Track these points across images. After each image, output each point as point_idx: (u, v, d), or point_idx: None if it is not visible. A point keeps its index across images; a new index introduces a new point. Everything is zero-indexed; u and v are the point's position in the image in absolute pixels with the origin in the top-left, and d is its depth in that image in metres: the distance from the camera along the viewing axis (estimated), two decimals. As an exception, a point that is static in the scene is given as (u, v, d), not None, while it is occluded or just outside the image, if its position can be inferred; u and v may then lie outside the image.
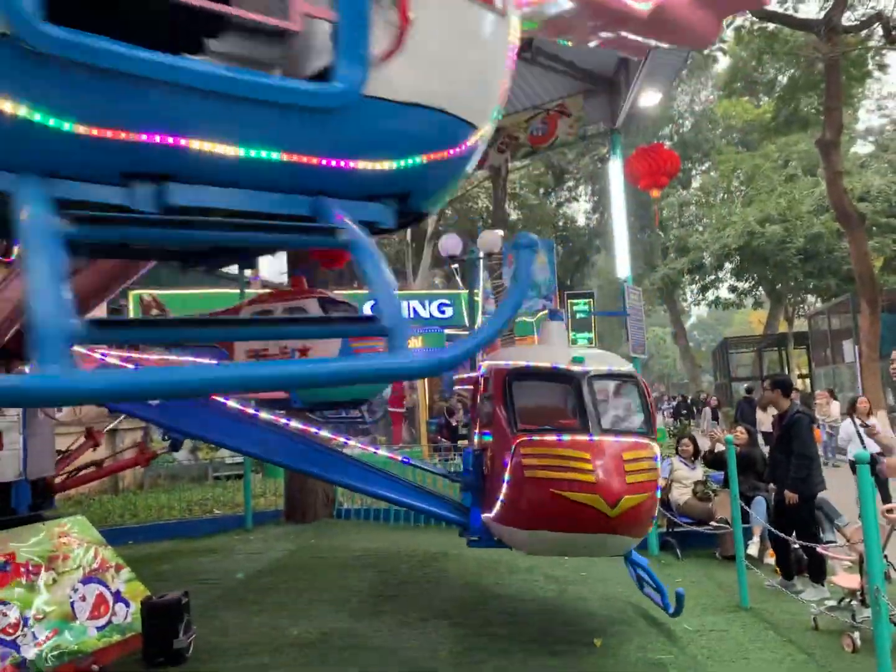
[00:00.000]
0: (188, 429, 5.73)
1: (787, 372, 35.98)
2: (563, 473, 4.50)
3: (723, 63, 33.15)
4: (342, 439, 6.50)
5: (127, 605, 5.44)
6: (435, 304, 20.18)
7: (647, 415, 5.10)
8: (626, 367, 5.33)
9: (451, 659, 5.00)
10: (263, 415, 5.60)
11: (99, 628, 5.16)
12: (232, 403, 5.42)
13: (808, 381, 32.67)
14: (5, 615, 4.68)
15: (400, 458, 6.85)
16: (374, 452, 6.97)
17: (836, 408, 15.88)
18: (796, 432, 6.06)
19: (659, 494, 4.95)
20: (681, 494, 8.07)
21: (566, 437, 4.65)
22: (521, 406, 5.01)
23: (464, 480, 5.53)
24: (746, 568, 6.15)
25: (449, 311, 20.34)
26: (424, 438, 17.65)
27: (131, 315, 18.56)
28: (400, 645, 5.34)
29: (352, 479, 5.75)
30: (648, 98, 7.96)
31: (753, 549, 7.14)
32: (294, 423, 5.75)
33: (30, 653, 4.65)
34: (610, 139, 8.45)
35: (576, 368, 4.87)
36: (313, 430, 6.05)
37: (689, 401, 19.77)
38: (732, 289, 35.56)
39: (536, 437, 4.76)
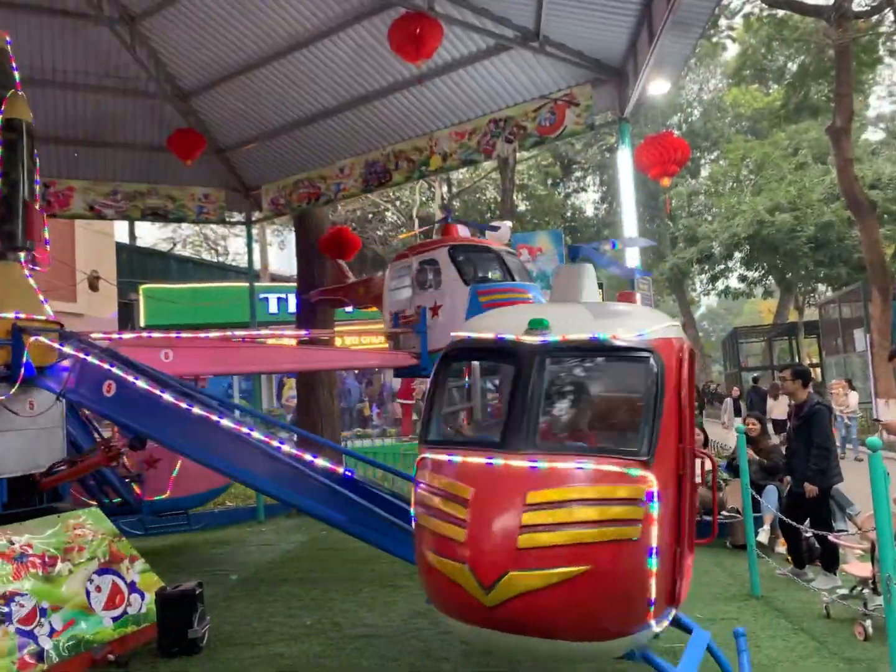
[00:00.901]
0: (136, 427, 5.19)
1: (797, 361, 35.85)
2: (437, 523, 3.09)
3: (732, 51, 32.94)
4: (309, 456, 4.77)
5: (142, 595, 5.50)
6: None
7: (650, 421, 3.08)
8: (635, 335, 3.21)
9: (462, 648, 5.02)
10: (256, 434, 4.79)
11: (115, 619, 5.22)
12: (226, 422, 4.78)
13: (818, 370, 32.49)
14: (22, 606, 4.74)
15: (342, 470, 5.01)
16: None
17: (854, 398, 15.45)
18: (817, 424, 6.04)
19: (651, 562, 2.97)
20: (691, 484, 8.05)
21: (456, 459, 3.15)
22: (446, 400, 3.76)
23: None
24: (757, 557, 6.14)
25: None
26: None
27: (142, 308, 18.72)
28: (412, 634, 5.37)
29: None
30: (657, 86, 7.91)
31: (764, 538, 7.14)
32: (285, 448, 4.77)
33: (47, 643, 4.71)
34: (618, 128, 8.41)
35: (526, 339, 3.22)
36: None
37: (701, 390, 19.67)
38: (742, 278, 35.35)
39: (432, 456, 3.31)
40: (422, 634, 5.35)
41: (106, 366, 5.18)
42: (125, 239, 27.28)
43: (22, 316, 5.66)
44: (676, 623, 3.71)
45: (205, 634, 5.22)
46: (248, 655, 5.06)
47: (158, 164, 10.96)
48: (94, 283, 12.95)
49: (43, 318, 5.86)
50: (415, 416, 19.48)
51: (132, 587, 5.49)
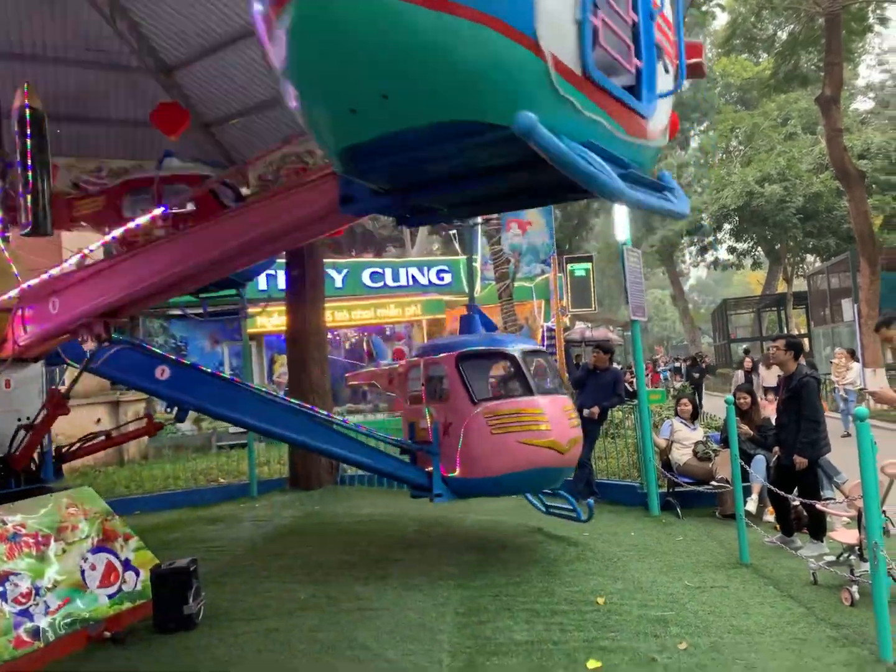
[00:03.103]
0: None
1: (786, 332, 36.07)
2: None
3: (721, 19, 32.66)
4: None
5: (136, 573, 5.53)
6: (434, 270, 20.15)
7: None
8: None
9: (457, 619, 5.09)
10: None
11: (110, 596, 5.26)
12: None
13: (806, 340, 32.74)
14: (17, 585, 4.76)
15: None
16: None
17: (856, 370, 14.53)
18: (806, 396, 6.08)
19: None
20: (681, 455, 8.14)
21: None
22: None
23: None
24: (746, 525, 6.22)
25: (448, 278, 20.31)
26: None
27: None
28: (407, 607, 5.43)
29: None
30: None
31: (752, 506, 7.23)
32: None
33: (42, 621, 4.74)
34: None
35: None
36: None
37: (698, 362, 19.66)
38: (731, 250, 35.46)
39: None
40: (417, 606, 5.40)
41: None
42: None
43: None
44: None
45: (200, 610, 5.26)
46: (244, 630, 5.10)
47: (144, 140, 10.80)
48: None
49: None
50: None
51: (127, 564, 5.52)
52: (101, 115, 10.49)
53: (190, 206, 7.64)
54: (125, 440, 9.25)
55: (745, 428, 7.75)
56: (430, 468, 6.38)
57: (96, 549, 5.38)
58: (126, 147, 10.86)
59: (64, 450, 7.18)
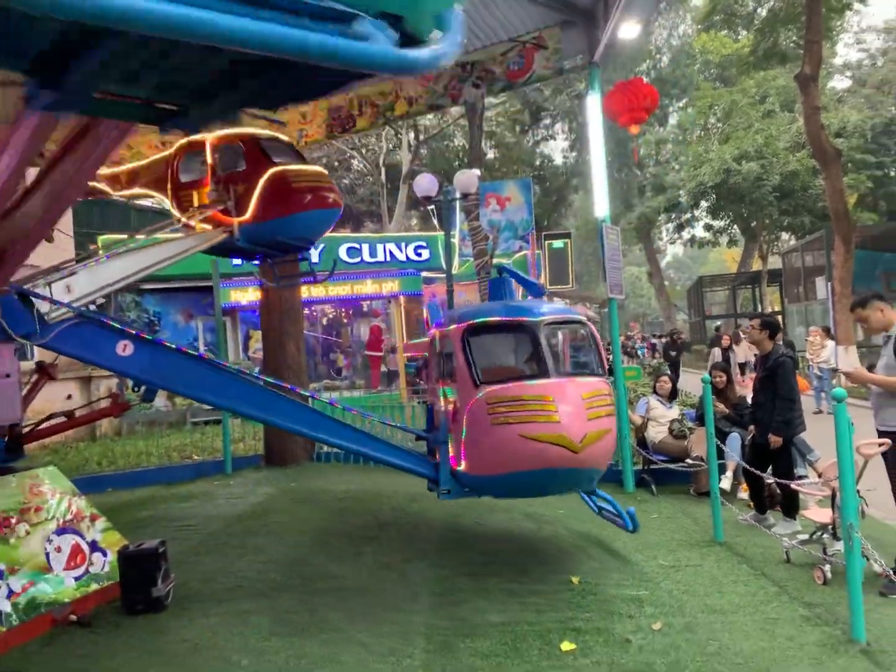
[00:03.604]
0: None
1: (760, 309, 36.44)
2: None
3: (702, -6, 32.41)
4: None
5: (104, 554, 5.41)
6: (411, 246, 19.95)
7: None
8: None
9: (432, 600, 5.05)
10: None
11: (76, 578, 5.14)
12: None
13: (780, 318, 33.09)
14: (-21, 568, 4.62)
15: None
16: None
17: (830, 348, 14.72)
18: (781, 375, 6.08)
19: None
20: (657, 432, 8.16)
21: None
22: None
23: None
24: (720, 503, 6.24)
25: (425, 254, 20.13)
26: (403, 381, 17.69)
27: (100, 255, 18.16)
28: (382, 587, 5.38)
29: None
30: (628, 30, 7.71)
31: (726, 484, 7.27)
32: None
33: (5, 605, 4.61)
34: (588, 74, 8.21)
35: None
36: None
37: (672, 340, 19.65)
38: (708, 227, 35.60)
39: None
40: (392, 587, 5.36)
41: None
42: (81, 188, 26.37)
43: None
44: None
45: (169, 592, 5.17)
46: (215, 612, 5.02)
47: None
48: (49, 235, 12.48)
49: None
50: (384, 368, 19.48)
51: (94, 546, 5.40)
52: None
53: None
54: (88, 421, 8.98)
55: (721, 406, 7.77)
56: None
57: (61, 531, 5.25)
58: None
59: (24, 431, 6.97)
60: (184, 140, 7.96)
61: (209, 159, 7.44)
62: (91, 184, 9.48)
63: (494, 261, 17.67)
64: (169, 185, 8.00)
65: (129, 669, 4.20)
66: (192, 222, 7.30)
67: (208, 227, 7.30)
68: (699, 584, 5.14)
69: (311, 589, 5.43)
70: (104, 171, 9.58)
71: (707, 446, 6.31)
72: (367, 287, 17.82)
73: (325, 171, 7.81)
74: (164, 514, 8.50)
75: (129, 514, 8.62)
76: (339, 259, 18.97)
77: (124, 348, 5.40)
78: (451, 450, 5.51)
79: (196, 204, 7.48)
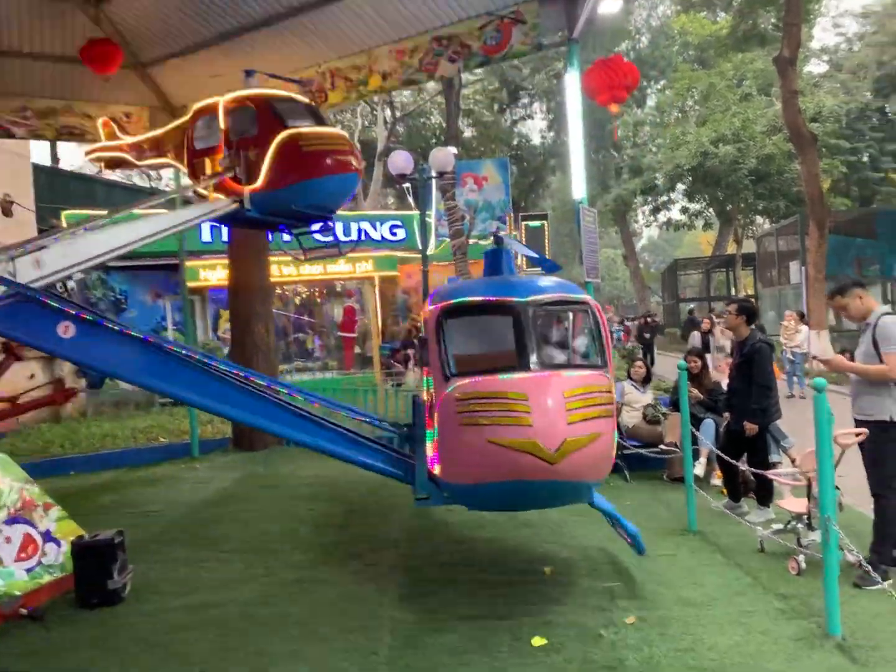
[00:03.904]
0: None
1: (734, 293, 36.67)
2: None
3: (682, -26, 32.15)
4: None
5: (58, 544, 5.18)
6: (386, 225, 19.62)
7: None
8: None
9: (399, 591, 4.90)
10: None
11: (28, 570, 4.91)
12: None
13: (753, 301, 33.30)
14: (-79, 561, 4.38)
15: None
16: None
17: (804, 333, 14.72)
18: (758, 362, 5.97)
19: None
20: (631, 417, 8.07)
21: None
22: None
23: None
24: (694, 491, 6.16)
25: (401, 233, 19.83)
26: (377, 363, 17.49)
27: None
28: (348, 578, 5.23)
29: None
30: (608, 5, 7.50)
31: (700, 470, 7.20)
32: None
33: (-50, 599, 4.38)
34: (567, 50, 7.99)
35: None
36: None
37: (649, 322, 19.57)
38: (684, 210, 35.61)
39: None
40: (358, 578, 5.20)
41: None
42: (45, 161, 25.62)
43: None
44: None
45: (126, 584, 4.96)
46: (173, 605, 4.83)
47: (73, 78, 10.07)
48: (6, 208, 12.04)
49: None
50: (357, 350, 19.23)
51: (47, 536, 5.16)
52: (26, 49, 9.69)
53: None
54: (31, 408, 8.42)
55: (695, 392, 7.68)
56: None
57: (11, 521, 5.00)
58: (54, 87, 10.10)
59: None
60: (199, 104, 7.54)
61: (221, 124, 7.05)
62: (115, 154, 9.00)
63: (471, 242, 17.47)
64: (185, 153, 7.61)
65: (80, 669, 3.99)
66: (205, 192, 7.03)
67: (220, 197, 6.96)
68: (673, 575, 5.05)
69: (275, 580, 5.26)
70: (128, 139, 9.10)
71: (682, 434, 6.20)
72: (341, 266, 17.50)
73: (344, 134, 7.31)
74: (126, 500, 8.27)
75: (90, 499, 8.37)
76: (311, 237, 18.61)
77: (65, 330, 4.87)
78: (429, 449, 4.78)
79: (209, 172, 7.11)
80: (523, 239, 20.60)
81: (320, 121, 7.19)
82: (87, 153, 9.72)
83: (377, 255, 18.00)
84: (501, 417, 3.97)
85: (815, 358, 7.44)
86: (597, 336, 4.57)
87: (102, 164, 9.63)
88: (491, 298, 4.51)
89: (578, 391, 4.06)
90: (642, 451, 7.78)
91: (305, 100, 7.63)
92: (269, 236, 10.78)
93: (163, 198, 8.49)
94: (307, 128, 6.79)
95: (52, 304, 4.87)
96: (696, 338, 15.29)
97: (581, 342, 4.98)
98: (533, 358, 4.16)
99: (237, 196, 6.87)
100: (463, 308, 4.60)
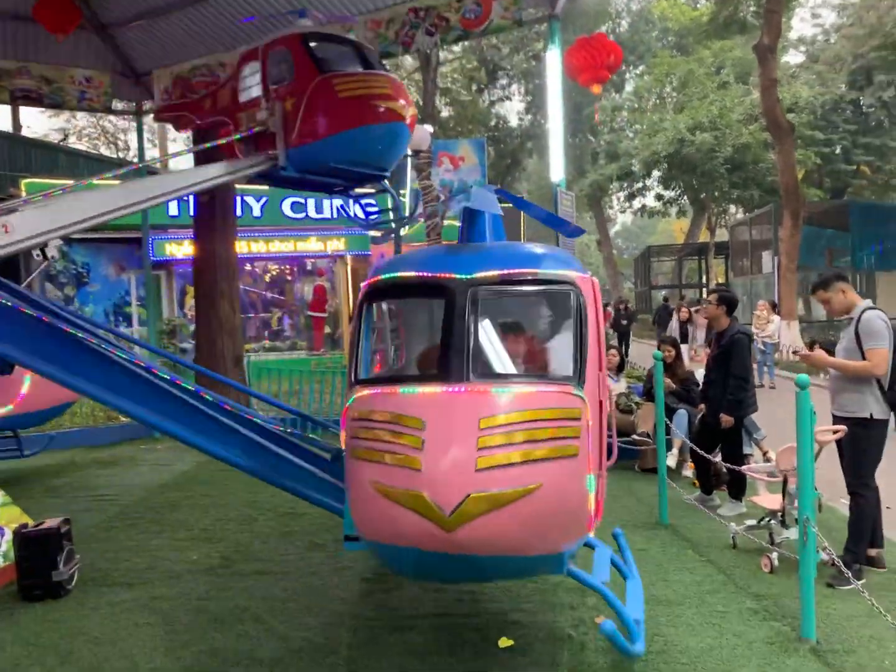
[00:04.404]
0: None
1: (706, 281, 36.89)
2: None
3: (664, -42, 31.91)
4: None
5: (1, 532, 4.88)
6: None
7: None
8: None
9: (362, 586, 4.72)
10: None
11: (-33, 560, 4.63)
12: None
13: (733, 290, 33.49)
14: None
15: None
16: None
17: (776, 323, 14.69)
18: (736, 353, 5.84)
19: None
20: (604, 407, 7.93)
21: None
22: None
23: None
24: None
25: (374, 211, 19.47)
26: (347, 344, 17.22)
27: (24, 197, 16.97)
28: (309, 570, 5.02)
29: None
30: (592, -21, 7.25)
31: (672, 461, 7.11)
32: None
33: None
34: (548, 27, 7.73)
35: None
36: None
37: (625, 309, 19.44)
38: (659, 197, 35.62)
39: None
40: (320, 570, 5.00)
41: None
42: (6, 127, 24.71)
43: None
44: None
45: (73, 576, 4.70)
46: (122, 598, 4.58)
47: (29, 38, 9.57)
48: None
49: None
50: (327, 329, 18.91)
51: (-11, 523, 4.87)
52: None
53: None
54: None
55: (668, 381, 7.56)
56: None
57: (-50, 507, 4.71)
58: (8, 46, 9.59)
59: None
60: (244, 49, 6.74)
61: (260, 72, 6.24)
62: (179, 113, 8.04)
63: (446, 223, 17.20)
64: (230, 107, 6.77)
65: (16, 668, 3.74)
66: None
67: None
68: (644, 571, 4.87)
69: (232, 571, 5.04)
70: (188, 96, 8.38)
71: (657, 426, 6.07)
72: (312, 244, 17.16)
73: (389, 75, 6.30)
74: (80, 482, 7.97)
75: (42, 481, 8.07)
76: (282, 213, 18.21)
77: None
78: None
79: (248, 126, 6.31)
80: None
81: (369, 64, 6.27)
82: (154, 112, 8.86)
83: (350, 235, 17.66)
84: (389, 453, 2.88)
85: (795, 353, 7.36)
86: (576, 333, 3.24)
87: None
88: (424, 274, 3.33)
89: (510, 419, 2.85)
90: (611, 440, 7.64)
91: (352, 38, 6.70)
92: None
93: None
94: (345, 71, 5.95)
95: None
96: (673, 326, 15.23)
97: (548, 341, 3.68)
98: (457, 362, 3.00)
99: (271, 153, 6.08)
100: (389, 287, 3.49)
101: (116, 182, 6.98)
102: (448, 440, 2.79)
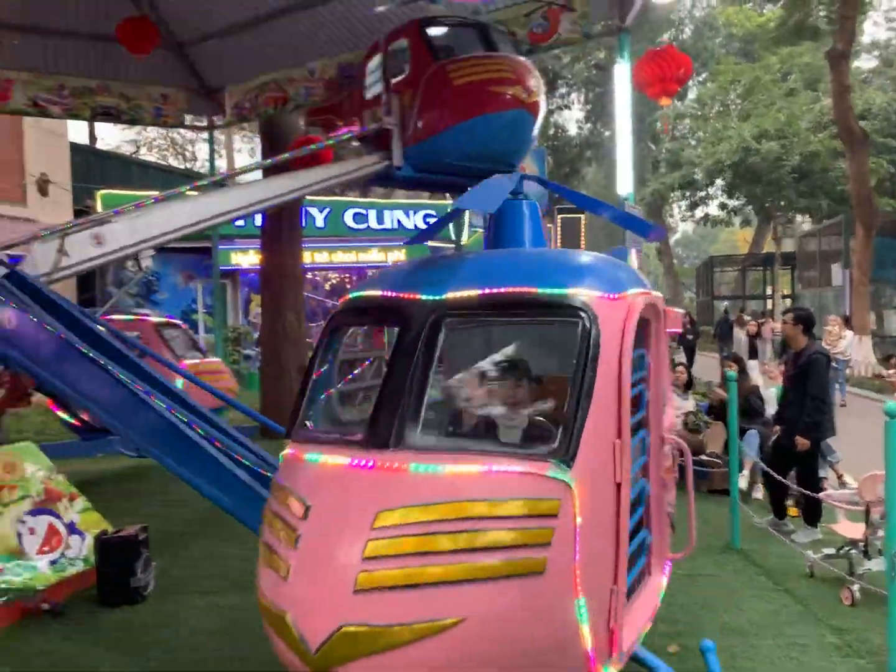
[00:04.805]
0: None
1: (770, 293, 35.92)
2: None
3: (730, -35, 31.33)
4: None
5: (82, 536, 5.08)
6: (420, 214, 19.38)
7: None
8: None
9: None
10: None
11: (52, 563, 4.81)
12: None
13: (789, 301, 32.58)
14: (-57, 552, 4.29)
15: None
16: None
17: (849, 339, 14.07)
18: (814, 374, 5.66)
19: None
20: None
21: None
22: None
23: None
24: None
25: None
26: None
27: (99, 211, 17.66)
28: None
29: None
30: (664, -7, 7.16)
31: (743, 483, 6.91)
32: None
33: (-29, 592, 4.29)
34: (617, 40, 7.65)
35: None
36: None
37: (691, 324, 18.98)
38: (722, 206, 34.87)
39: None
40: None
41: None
42: (84, 139, 25.77)
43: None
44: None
45: (149, 583, 4.83)
46: (197, 605, 4.69)
47: (110, 58, 9.95)
48: (42, 187, 12.04)
49: None
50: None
51: (71, 528, 5.05)
52: (62, 27, 9.58)
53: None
54: None
55: (721, 392, 7.41)
56: None
57: (36, 511, 4.90)
58: (91, 65, 10.00)
59: None
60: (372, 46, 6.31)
61: (380, 66, 5.88)
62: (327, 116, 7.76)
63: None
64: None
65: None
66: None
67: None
68: (716, 597, 4.79)
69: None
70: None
71: (728, 447, 5.93)
72: (373, 255, 17.35)
73: (511, 56, 5.55)
74: (150, 488, 8.18)
75: (117, 485, 8.33)
76: (345, 224, 18.48)
77: (9, 320, 4.22)
78: None
79: (372, 125, 5.86)
80: (558, 233, 20.17)
81: (493, 46, 5.63)
82: (306, 116, 8.60)
83: (408, 245, 17.79)
84: (269, 549, 2.30)
85: (879, 376, 7.11)
86: (577, 381, 2.26)
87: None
88: (386, 294, 2.61)
89: (425, 515, 2.03)
90: (679, 460, 7.49)
91: (477, 20, 6.04)
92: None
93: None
94: (461, 57, 5.33)
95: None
96: (742, 342, 14.80)
97: (534, 394, 2.78)
98: (384, 421, 2.27)
99: (384, 153, 5.59)
100: (351, 311, 2.84)
101: (193, 193, 7.04)
102: (325, 541, 2.05)
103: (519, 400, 2.74)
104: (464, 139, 5.21)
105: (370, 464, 2.17)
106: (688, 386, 8.23)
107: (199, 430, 4.24)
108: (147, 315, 9.45)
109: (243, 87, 10.22)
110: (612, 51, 17.32)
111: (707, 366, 16.23)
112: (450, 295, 2.44)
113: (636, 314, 2.50)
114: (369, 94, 6.07)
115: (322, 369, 2.82)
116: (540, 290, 2.39)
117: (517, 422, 2.69)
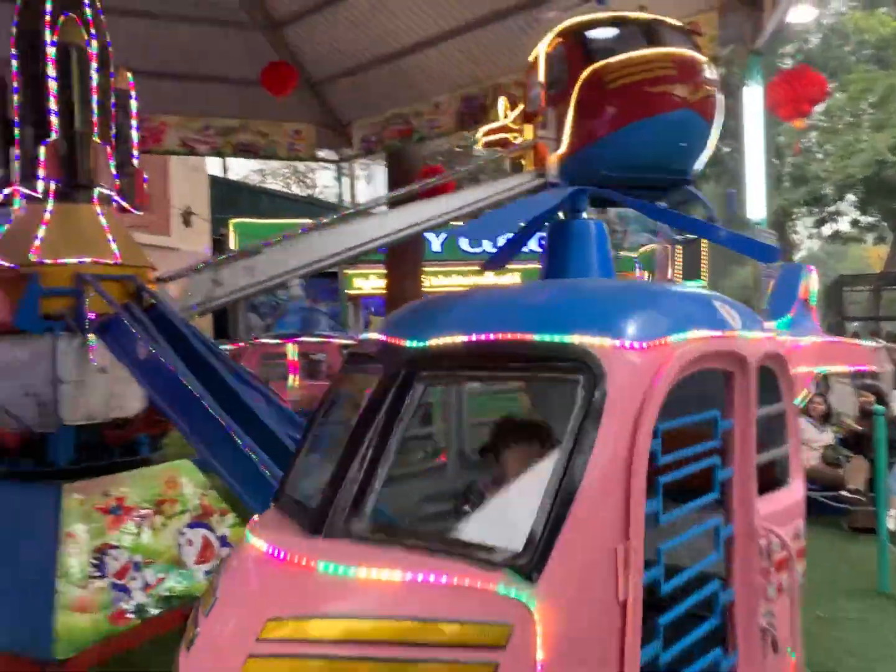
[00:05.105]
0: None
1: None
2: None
3: (861, -31, 29.82)
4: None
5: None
6: (536, 237, 19.44)
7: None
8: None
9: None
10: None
11: (207, 573, 5.18)
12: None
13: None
14: (116, 559, 4.71)
15: None
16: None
17: None
18: None
19: None
20: (808, 458, 7.45)
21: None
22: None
23: None
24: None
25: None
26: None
27: (232, 243, 18.76)
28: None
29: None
30: (800, 13, 6.97)
31: (891, 524, 6.51)
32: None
33: (140, 597, 4.68)
34: (748, 62, 7.49)
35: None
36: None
37: None
38: (854, 222, 32.95)
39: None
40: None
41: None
42: (218, 171, 27.58)
43: (87, 261, 4.84)
44: None
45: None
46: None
47: (249, 98, 10.68)
48: (187, 219, 13.03)
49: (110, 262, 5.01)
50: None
51: (223, 541, 5.42)
52: (210, 73, 10.39)
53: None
54: None
55: (848, 422, 7.07)
56: None
57: (194, 525, 5.30)
58: (233, 106, 10.76)
59: None
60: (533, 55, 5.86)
61: (541, 76, 5.24)
62: (500, 136, 7.48)
63: (621, 254, 16.98)
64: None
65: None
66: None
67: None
68: (863, 642, 4.56)
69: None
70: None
71: (874, 483, 5.63)
72: (488, 278, 17.55)
73: (676, 52, 4.81)
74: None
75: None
76: (460, 248, 18.80)
77: (145, 353, 4.40)
78: None
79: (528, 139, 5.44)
80: (676, 253, 19.64)
81: (658, 42, 4.94)
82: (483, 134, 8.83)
83: (525, 269, 17.88)
84: (191, 630, 1.93)
85: None
86: (564, 461, 1.68)
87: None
88: (380, 339, 2.17)
89: (320, 632, 1.59)
90: (820, 495, 7.16)
91: (649, 16, 5.18)
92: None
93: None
94: (619, 57, 4.74)
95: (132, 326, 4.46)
96: (890, 374, 13.85)
97: (509, 478, 2.22)
98: (323, 501, 1.86)
99: (539, 169, 5.15)
100: (351, 357, 2.51)
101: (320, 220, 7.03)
102: (211, 647, 1.75)
103: (486, 489, 2.25)
104: (619, 147, 4.64)
105: (281, 555, 1.77)
106: (825, 418, 7.85)
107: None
108: (332, 337, 10.25)
109: (370, 120, 10.69)
110: (730, 65, 16.93)
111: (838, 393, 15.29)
112: (433, 342, 1.92)
113: (676, 368, 1.82)
114: (530, 108, 5.55)
115: (320, 425, 2.39)
116: (537, 338, 1.82)
117: (490, 508, 2.01)
